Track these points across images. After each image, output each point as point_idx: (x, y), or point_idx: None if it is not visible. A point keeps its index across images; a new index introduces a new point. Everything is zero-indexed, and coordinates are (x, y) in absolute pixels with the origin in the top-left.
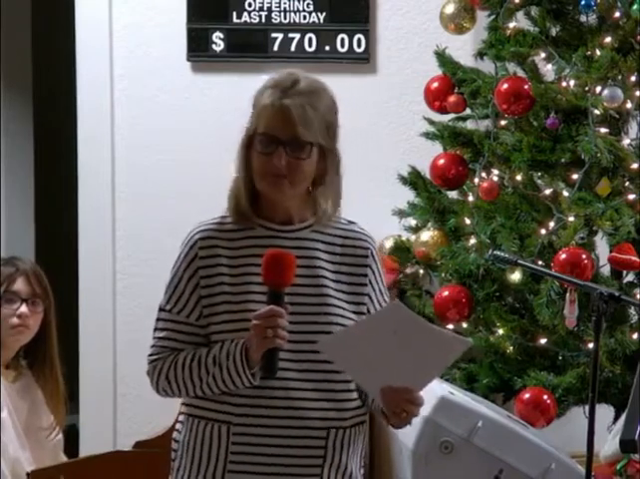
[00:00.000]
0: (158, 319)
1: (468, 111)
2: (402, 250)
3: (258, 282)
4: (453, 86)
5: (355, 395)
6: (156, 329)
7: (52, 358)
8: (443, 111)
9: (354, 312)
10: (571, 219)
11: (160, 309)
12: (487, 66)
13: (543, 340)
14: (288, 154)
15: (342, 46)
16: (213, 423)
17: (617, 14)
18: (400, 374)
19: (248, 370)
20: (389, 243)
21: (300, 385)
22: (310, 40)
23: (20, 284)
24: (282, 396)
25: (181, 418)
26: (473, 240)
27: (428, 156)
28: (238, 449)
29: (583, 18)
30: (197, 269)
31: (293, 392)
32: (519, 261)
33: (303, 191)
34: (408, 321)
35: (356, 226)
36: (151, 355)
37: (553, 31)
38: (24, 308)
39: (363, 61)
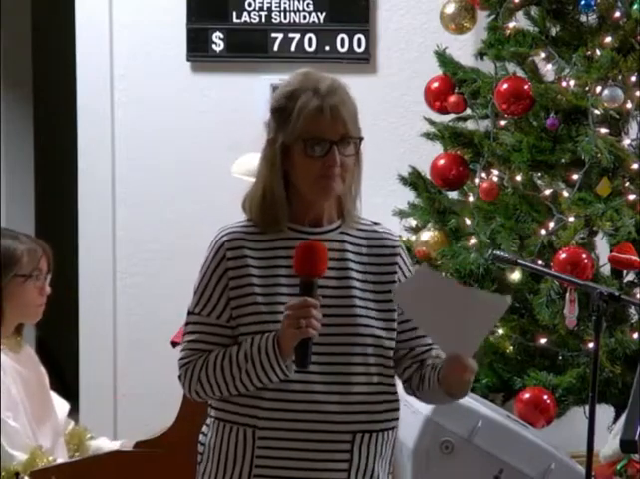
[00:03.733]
0: (187, 324)
1: (468, 111)
2: None
3: (287, 284)
4: (453, 86)
5: (387, 397)
6: (186, 333)
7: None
8: (443, 111)
9: (381, 313)
10: (571, 219)
11: (190, 313)
12: (487, 66)
13: (543, 340)
14: (341, 152)
15: (342, 46)
16: (239, 427)
17: (617, 14)
18: (452, 338)
19: (283, 363)
20: None
21: (324, 388)
22: (310, 40)
23: (43, 263)
24: (306, 400)
25: (209, 421)
26: (473, 240)
27: (428, 156)
28: (264, 453)
29: (583, 18)
30: (226, 271)
31: (317, 396)
32: (519, 261)
33: (343, 191)
34: (445, 286)
35: (380, 226)
36: (182, 359)
37: (553, 31)
38: (47, 287)
39: (363, 61)
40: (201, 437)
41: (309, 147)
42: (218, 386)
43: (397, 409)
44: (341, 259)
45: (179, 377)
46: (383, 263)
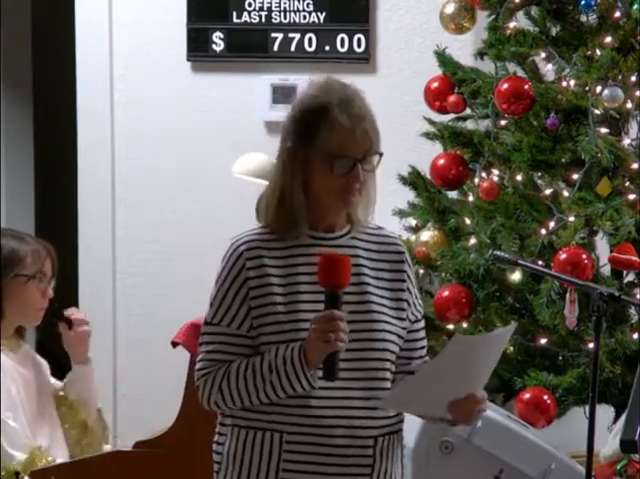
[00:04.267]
0: (205, 334)
1: (468, 111)
2: None
3: (307, 291)
4: (453, 86)
5: None
6: (203, 343)
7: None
8: (443, 111)
9: (396, 318)
10: (571, 219)
11: (208, 323)
12: (487, 66)
13: (543, 340)
14: (364, 169)
15: (342, 46)
16: (264, 432)
17: (617, 14)
18: (462, 386)
19: (309, 374)
20: None
21: (347, 394)
22: (310, 40)
23: (48, 265)
24: (331, 405)
25: (223, 430)
26: (473, 240)
27: (428, 156)
28: (291, 457)
29: (583, 18)
30: (246, 280)
31: (341, 401)
32: (519, 261)
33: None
34: (462, 346)
35: (386, 230)
36: (200, 369)
37: (553, 31)
38: (50, 291)
39: (363, 61)
40: (216, 446)
41: (334, 163)
42: (240, 397)
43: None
44: (355, 265)
45: (197, 387)
46: (394, 269)
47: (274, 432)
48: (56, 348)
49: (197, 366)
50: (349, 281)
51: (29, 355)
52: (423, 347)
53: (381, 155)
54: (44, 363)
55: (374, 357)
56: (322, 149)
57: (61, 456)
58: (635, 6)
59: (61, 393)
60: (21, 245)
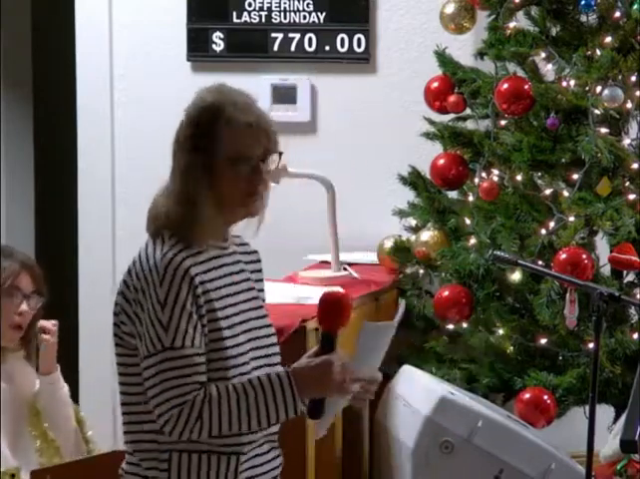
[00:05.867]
0: (165, 360)
1: (468, 111)
2: (402, 250)
3: (233, 304)
4: (453, 86)
5: None
6: (162, 371)
7: (29, 352)
8: (443, 111)
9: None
10: (571, 219)
11: (166, 349)
12: (487, 66)
13: (543, 340)
14: (263, 169)
15: (342, 46)
16: (220, 456)
17: (617, 14)
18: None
19: (299, 404)
20: (389, 243)
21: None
22: (310, 40)
23: (24, 280)
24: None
25: (161, 456)
26: (473, 241)
27: (428, 156)
28: (250, 474)
29: (583, 18)
30: (197, 297)
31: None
32: (519, 261)
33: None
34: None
35: (241, 238)
36: (170, 400)
37: (553, 31)
38: (25, 306)
39: (363, 61)
40: (154, 473)
41: (236, 163)
42: (229, 423)
43: None
44: (246, 274)
45: (167, 421)
46: (257, 272)
47: (232, 455)
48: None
49: (166, 396)
50: (348, 322)
51: (9, 371)
52: None
53: (280, 154)
54: (29, 372)
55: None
56: (223, 150)
57: (25, 464)
58: (635, 6)
59: (34, 401)
60: None
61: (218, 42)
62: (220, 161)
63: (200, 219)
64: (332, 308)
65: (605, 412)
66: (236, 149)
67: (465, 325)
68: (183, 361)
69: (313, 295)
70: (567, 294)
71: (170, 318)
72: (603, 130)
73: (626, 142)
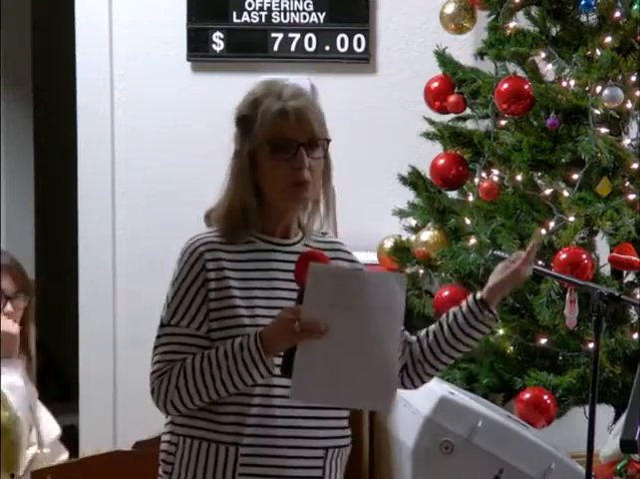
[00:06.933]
0: (161, 336)
1: (468, 111)
2: (402, 250)
3: (263, 297)
4: (453, 86)
5: (347, 414)
6: (159, 346)
7: (29, 353)
8: (443, 111)
9: None
10: (571, 219)
11: (164, 325)
12: (487, 66)
13: (543, 340)
14: (309, 155)
15: (342, 46)
16: (220, 445)
17: (617, 14)
18: (369, 344)
19: (267, 359)
20: (389, 243)
21: (302, 404)
22: (310, 40)
23: (5, 282)
24: (287, 415)
25: (174, 439)
26: (473, 240)
27: (428, 156)
28: (246, 471)
29: (583, 18)
30: (206, 281)
31: (297, 411)
32: None
33: (316, 197)
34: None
35: (330, 236)
36: (155, 371)
37: (553, 31)
38: (9, 307)
39: (363, 61)
40: (166, 456)
41: (275, 150)
42: (197, 391)
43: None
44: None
45: (152, 391)
46: None
47: (230, 445)
48: (56, 346)
49: (153, 369)
50: None
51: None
52: None
53: (328, 141)
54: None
55: None
56: (260, 138)
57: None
58: (635, 6)
59: None
60: None
61: (218, 42)
62: (259, 148)
63: (232, 210)
64: (307, 264)
65: (605, 412)
66: (271, 131)
67: None
68: (173, 338)
69: None
70: (567, 294)
71: (174, 297)
72: (603, 130)
73: (626, 142)
